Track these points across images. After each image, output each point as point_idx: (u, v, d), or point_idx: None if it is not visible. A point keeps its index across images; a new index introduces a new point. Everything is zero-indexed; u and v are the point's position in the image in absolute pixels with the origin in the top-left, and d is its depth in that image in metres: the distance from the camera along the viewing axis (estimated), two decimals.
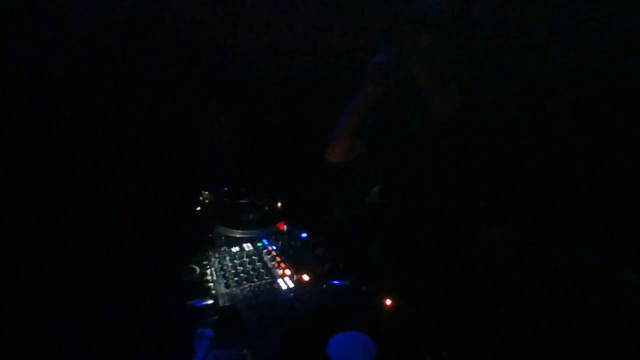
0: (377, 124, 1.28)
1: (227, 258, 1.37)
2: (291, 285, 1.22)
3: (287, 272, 1.27)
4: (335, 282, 1.21)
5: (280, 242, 1.48)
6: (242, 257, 1.38)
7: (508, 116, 1.19)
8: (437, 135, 1.16)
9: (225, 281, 1.22)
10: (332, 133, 1.26)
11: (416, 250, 1.25)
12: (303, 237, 1.52)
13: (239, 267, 1.31)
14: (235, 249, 1.45)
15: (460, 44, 1.05)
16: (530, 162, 1.14)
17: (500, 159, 1.11)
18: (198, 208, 1.78)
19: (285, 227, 1.60)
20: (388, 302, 1.09)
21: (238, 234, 1.57)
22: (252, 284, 1.22)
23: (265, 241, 1.51)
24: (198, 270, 1.29)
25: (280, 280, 1.24)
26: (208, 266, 1.32)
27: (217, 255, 1.39)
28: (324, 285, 1.20)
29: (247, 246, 1.48)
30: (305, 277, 1.24)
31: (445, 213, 1.16)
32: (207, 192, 1.85)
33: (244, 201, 1.82)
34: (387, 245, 1.41)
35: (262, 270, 1.29)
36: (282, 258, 1.36)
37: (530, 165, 1.15)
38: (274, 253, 1.41)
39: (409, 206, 1.25)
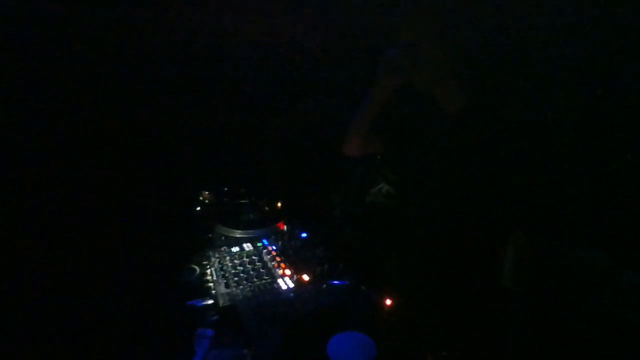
0: (393, 121, 1.27)
1: (227, 258, 1.37)
2: (291, 285, 1.22)
3: (287, 272, 1.27)
4: (335, 282, 1.21)
5: (280, 242, 1.48)
6: (242, 257, 1.38)
7: (508, 116, 1.18)
8: (443, 133, 1.16)
9: (225, 281, 1.22)
10: (349, 128, 1.27)
11: (422, 249, 1.25)
12: (303, 237, 1.52)
13: (239, 267, 1.31)
14: (235, 249, 1.45)
15: (456, 41, 1.05)
16: (531, 161, 1.14)
17: (503, 159, 1.10)
18: (198, 208, 1.78)
19: (285, 227, 1.60)
20: (388, 302, 1.09)
21: (238, 234, 1.57)
22: (252, 284, 1.22)
23: (265, 241, 1.51)
24: (198, 270, 1.30)
25: (280, 280, 1.24)
26: (208, 266, 1.32)
27: (217, 255, 1.39)
28: (324, 285, 1.20)
29: (247, 246, 1.48)
30: (305, 277, 1.24)
31: (454, 212, 1.16)
32: (207, 192, 1.85)
33: (244, 201, 1.82)
34: (393, 243, 1.40)
35: (262, 270, 1.29)
36: (282, 258, 1.36)
37: (530, 165, 1.15)
38: (274, 253, 1.41)
39: (420, 204, 1.24)
